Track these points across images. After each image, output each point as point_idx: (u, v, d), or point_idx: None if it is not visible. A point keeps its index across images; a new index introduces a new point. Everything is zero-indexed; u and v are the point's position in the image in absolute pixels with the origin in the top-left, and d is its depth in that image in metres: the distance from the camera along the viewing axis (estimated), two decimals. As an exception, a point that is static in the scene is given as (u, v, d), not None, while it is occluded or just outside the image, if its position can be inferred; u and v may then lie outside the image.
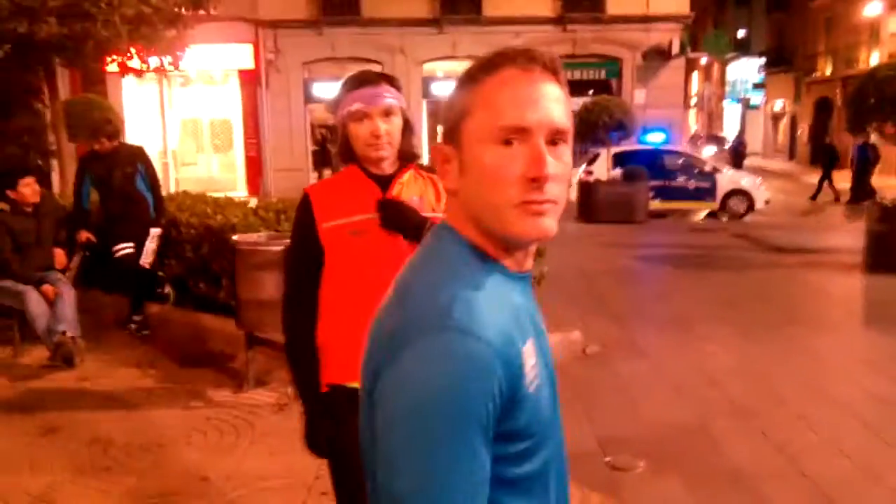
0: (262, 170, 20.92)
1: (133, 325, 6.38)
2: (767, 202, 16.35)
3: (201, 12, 9.90)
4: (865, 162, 18.40)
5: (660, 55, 21.53)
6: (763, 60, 39.21)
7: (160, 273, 6.59)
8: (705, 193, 16.16)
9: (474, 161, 1.04)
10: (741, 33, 42.67)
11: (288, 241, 2.39)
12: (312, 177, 20.41)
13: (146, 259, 6.35)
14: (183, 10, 9.59)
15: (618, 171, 15.79)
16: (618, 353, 6.34)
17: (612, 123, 15.22)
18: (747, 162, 28.03)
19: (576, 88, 21.00)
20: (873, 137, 15.88)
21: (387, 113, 2.12)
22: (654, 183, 15.72)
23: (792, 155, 35.14)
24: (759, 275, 9.85)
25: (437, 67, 21.76)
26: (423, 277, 1.04)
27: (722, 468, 4.24)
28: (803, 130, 33.44)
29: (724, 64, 43.15)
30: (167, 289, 6.61)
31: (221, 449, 4.22)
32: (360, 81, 2.15)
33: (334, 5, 20.67)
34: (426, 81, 21.63)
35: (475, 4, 21.05)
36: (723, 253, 11.67)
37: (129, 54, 9.63)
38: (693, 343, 6.69)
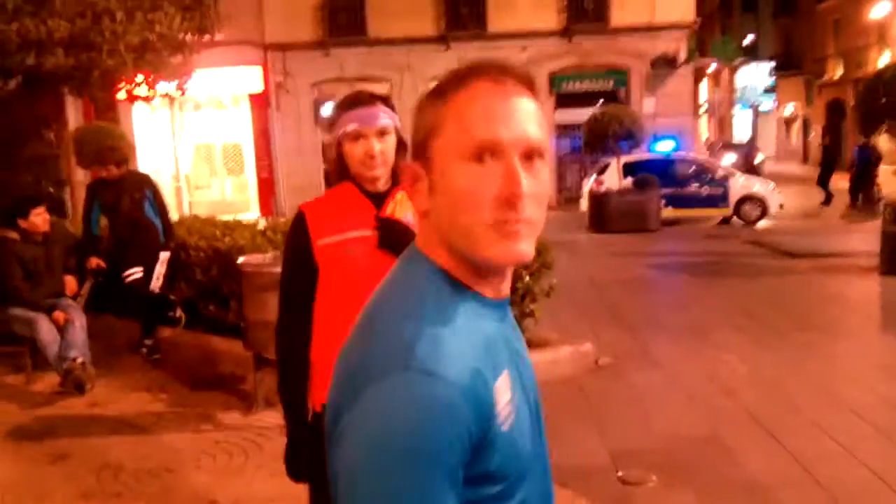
0: (275, 190, 21.05)
1: (144, 350, 6.41)
2: (781, 207, 16.22)
3: (206, 37, 9.99)
4: (867, 163, 18.17)
5: (667, 63, 21.47)
6: (772, 65, 39.10)
7: (171, 297, 6.63)
8: (718, 200, 16.06)
9: (444, 180, 0.98)
10: (749, 38, 42.60)
11: None
12: (325, 196, 20.46)
13: (155, 284, 6.39)
14: (189, 35, 9.68)
15: (629, 181, 15.75)
16: (630, 364, 6.29)
17: (622, 133, 15.22)
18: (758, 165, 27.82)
19: (584, 99, 21.24)
20: (883, 138, 15.76)
21: (381, 133, 2.14)
22: (665, 191, 15.65)
23: (806, 158, 34.96)
24: (773, 281, 9.75)
25: (446, 84, 21.82)
26: (389, 308, 0.99)
27: (736, 479, 4.17)
28: (816, 133, 33.26)
29: (732, 70, 43.05)
30: (178, 312, 6.65)
31: (230, 472, 4.21)
32: (354, 102, 2.17)
33: (341, 26, 20.83)
34: (434, 98, 21.67)
35: (480, 20, 21.15)
36: (737, 260, 11.58)
37: (135, 82, 9.74)
38: (707, 352, 6.62)
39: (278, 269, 4.68)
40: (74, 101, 12.35)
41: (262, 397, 5.09)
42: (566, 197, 21.17)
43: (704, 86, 36.11)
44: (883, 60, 25.78)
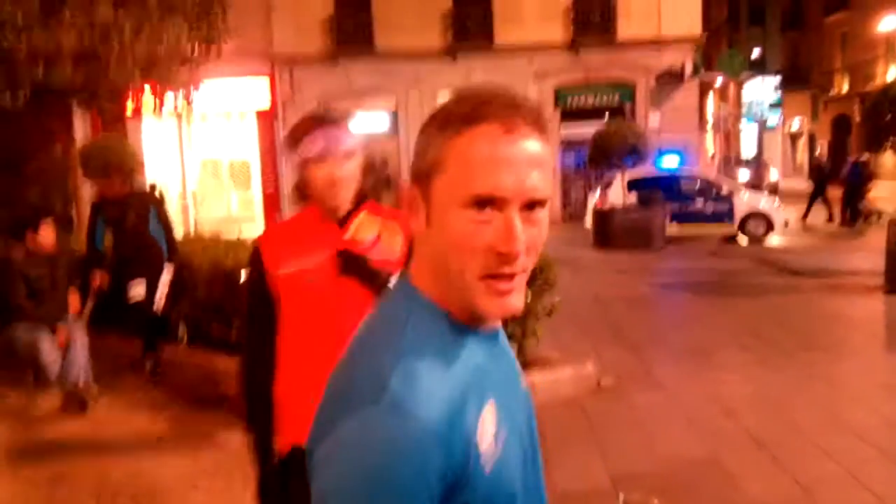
0: (281, 206, 21.10)
1: (147, 367, 6.41)
2: (787, 224, 16.18)
3: (214, 48, 10.04)
4: (857, 180, 18.05)
5: (673, 77, 21.48)
6: (779, 79, 39.07)
7: (174, 314, 6.63)
8: (723, 216, 16.02)
9: (442, 219, 0.97)
10: (756, 52, 42.58)
11: None
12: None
13: (158, 304, 6.40)
14: (196, 46, 9.73)
15: (633, 197, 15.73)
16: (633, 385, 6.25)
17: (626, 149, 15.18)
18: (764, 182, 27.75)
19: (590, 114, 21.24)
20: (887, 153, 15.72)
21: (347, 156, 2.08)
22: (670, 206, 15.62)
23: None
24: (778, 300, 9.71)
25: (452, 96, 21.91)
26: (372, 339, 0.99)
27: (738, 502, 4.15)
28: (822, 149, 33.20)
29: (739, 84, 43.03)
30: (181, 329, 6.65)
31: (230, 492, 4.20)
32: (320, 120, 2.10)
33: (348, 39, 20.95)
34: (441, 111, 21.74)
35: (487, 33, 21.25)
36: (741, 279, 11.52)
37: (143, 94, 9.79)
38: (710, 372, 6.59)
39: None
40: (82, 115, 12.44)
41: (263, 417, 5.07)
42: (570, 213, 21.16)
43: (711, 100, 36.10)
44: (890, 75, 25.80)
